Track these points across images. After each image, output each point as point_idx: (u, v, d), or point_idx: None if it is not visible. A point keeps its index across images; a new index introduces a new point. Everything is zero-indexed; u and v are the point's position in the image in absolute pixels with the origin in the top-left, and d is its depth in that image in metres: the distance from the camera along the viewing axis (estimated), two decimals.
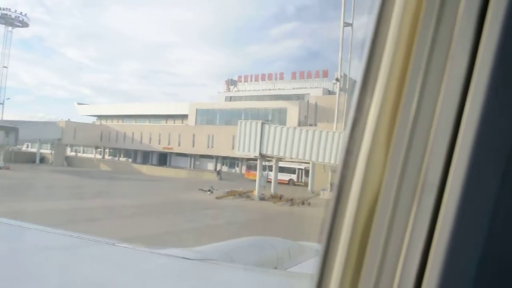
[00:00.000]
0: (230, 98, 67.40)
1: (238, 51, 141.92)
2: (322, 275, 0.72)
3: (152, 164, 67.19)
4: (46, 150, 70.31)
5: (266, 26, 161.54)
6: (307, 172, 45.48)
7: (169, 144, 64.47)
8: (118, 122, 76.78)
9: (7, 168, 50.11)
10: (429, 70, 0.63)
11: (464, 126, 0.59)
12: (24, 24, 73.96)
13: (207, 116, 64.27)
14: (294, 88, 63.52)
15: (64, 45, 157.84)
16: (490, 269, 0.59)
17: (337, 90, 40.40)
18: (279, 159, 37.08)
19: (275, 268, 4.05)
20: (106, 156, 75.26)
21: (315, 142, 31.52)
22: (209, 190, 36.13)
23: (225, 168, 61.92)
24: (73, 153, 76.35)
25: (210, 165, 62.46)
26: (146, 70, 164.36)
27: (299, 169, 49.25)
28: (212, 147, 59.11)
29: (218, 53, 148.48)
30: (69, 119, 69.69)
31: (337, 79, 39.62)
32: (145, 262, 3.34)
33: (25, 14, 73.21)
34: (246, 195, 35.03)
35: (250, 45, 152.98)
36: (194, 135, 61.40)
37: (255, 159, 39.68)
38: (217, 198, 32.88)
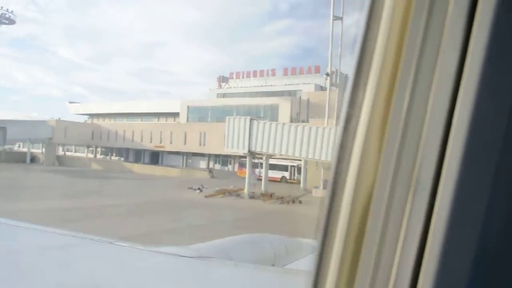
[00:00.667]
0: (224, 95, 66.64)
1: (232, 48, 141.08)
2: (318, 272, 0.72)
3: (144, 163, 66.37)
4: (38, 150, 69.39)
5: (260, 24, 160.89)
6: (300, 169, 44.92)
7: (160, 142, 63.66)
8: (110, 120, 75.86)
9: None
10: (421, 66, 0.64)
11: (456, 122, 0.60)
12: (11, 22, 72.89)
13: (198, 114, 63.49)
14: (286, 85, 62.89)
15: (57, 44, 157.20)
16: (483, 267, 0.59)
17: (327, 85, 39.69)
18: (270, 156, 36.35)
19: (273, 265, 4.06)
20: (98, 155, 74.35)
21: (306, 138, 30.77)
22: (198, 189, 35.43)
23: (218, 166, 61.27)
24: (65, 153, 75.44)
25: (203, 163, 61.74)
26: (140, 68, 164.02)
27: (291, 166, 48.60)
28: (204, 144, 58.34)
29: (211, 51, 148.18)
30: (59, 118, 68.61)
31: (327, 74, 38.97)
32: (142, 260, 3.34)
33: (12, 11, 72.15)
34: (236, 193, 34.29)
35: (244, 43, 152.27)
36: (185, 133, 60.60)
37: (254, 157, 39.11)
38: (206, 196, 32.14)
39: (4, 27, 72.66)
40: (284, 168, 49.45)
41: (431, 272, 0.60)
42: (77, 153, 76.07)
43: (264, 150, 33.10)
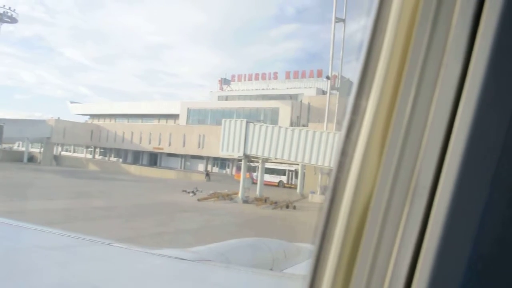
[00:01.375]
0: (226, 98, 65.88)
1: (237, 52, 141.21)
2: (314, 276, 0.73)
3: (142, 165, 65.80)
4: (37, 149, 68.90)
5: (266, 27, 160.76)
6: (298, 174, 43.93)
7: (159, 144, 63.02)
8: (110, 121, 75.35)
9: None
10: (423, 76, 0.65)
11: (456, 131, 0.61)
12: (13, 20, 72.34)
13: (198, 116, 62.79)
14: (288, 88, 62.03)
15: (63, 44, 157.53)
16: (479, 272, 0.60)
17: (328, 88, 38.82)
18: (266, 160, 35.42)
19: (271, 269, 4.06)
20: (97, 156, 73.80)
21: (303, 143, 29.82)
22: (192, 192, 34.61)
23: (215, 169, 60.55)
24: (64, 153, 74.97)
25: (201, 166, 60.98)
26: (145, 70, 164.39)
27: (289, 170, 47.70)
28: (203, 147, 57.58)
29: (217, 54, 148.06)
30: (58, 118, 68.09)
31: (327, 77, 38.10)
32: (141, 263, 3.35)
33: (14, 10, 71.68)
34: (230, 197, 33.36)
35: (250, 46, 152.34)
36: (184, 135, 59.94)
37: (249, 161, 38.24)
38: (198, 200, 31.25)
39: (8, 26, 72.41)
40: (282, 172, 48.57)
41: (425, 278, 0.61)
42: (75, 153, 75.57)
43: (260, 154, 32.12)
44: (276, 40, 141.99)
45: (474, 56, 0.61)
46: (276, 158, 32.49)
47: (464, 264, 0.60)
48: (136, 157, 69.30)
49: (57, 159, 68.27)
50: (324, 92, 53.00)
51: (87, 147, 73.83)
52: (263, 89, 64.88)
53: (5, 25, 71.63)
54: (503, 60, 0.59)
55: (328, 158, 28.93)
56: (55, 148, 72.01)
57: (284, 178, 48.85)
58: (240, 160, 38.77)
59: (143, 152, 67.49)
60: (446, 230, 0.60)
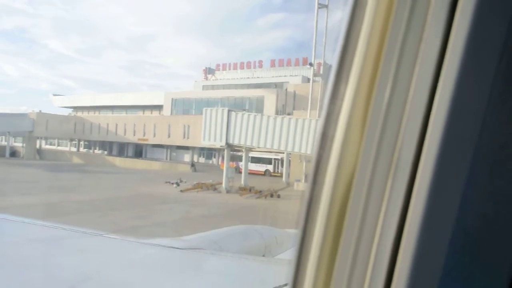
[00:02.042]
0: (210, 87, 65.01)
1: (224, 42, 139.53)
2: (299, 259, 0.74)
3: (127, 156, 64.87)
4: (20, 144, 67.60)
5: (252, 17, 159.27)
6: (284, 162, 43.49)
7: (144, 135, 62.08)
8: (95, 113, 74.11)
9: None
10: (403, 53, 0.66)
11: (437, 106, 0.62)
12: None
13: (183, 106, 61.85)
14: (273, 77, 61.28)
15: (46, 36, 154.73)
16: (462, 245, 0.62)
17: (311, 76, 38.21)
18: (250, 149, 34.85)
19: (263, 255, 4.13)
20: (81, 149, 72.66)
21: (286, 131, 29.22)
22: (175, 183, 34.01)
23: (202, 160, 59.88)
24: (48, 146, 73.75)
25: (187, 157, 60.22)
26: (131, 61, 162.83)
27: (275, 159, 47.26)
28: (188, 137, 56.77)
29: (204, 44, 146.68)
30: (40, 111, 66.72)
31: (310, 64, 37.45)
32: (133, 252, 3.37)
33: None
34: (214, 187, 32.81)
35: (236, 36, 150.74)
36: (169, 125, 59.03)
37: (234, 150, 37.61)
38: (181, 191, 30.66)
39: None
40: (268, 161, 48.15)
41: (410, 251, 0.62)
42: (60, 147, 74.34)
43: (242, 143, 31.41)
44: (263, 30, 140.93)
45: (453, 34, 0.61)
46: (259, 147, 31.90)
47: (447, 237, 0.61)
48: (121, 149, 68.32)
49: (40, 153, 67.16)
50: (309, 80, 52.50)
51: (71, 140, 72.64)
52: (248, 78, 64.06)
53: None
54: (482, 34, 0.59)
55: (310, 145, 28.44)
56: (38, 142, 70.83)
57: (270, 167, 48.43)
58: (230, 150, 38.19)
59: (128, 144, 66.53)
60: (429, 204, 0.61)
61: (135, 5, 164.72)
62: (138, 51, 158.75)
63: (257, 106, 52.79)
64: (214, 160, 58.15)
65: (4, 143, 68.77)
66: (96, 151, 71.33)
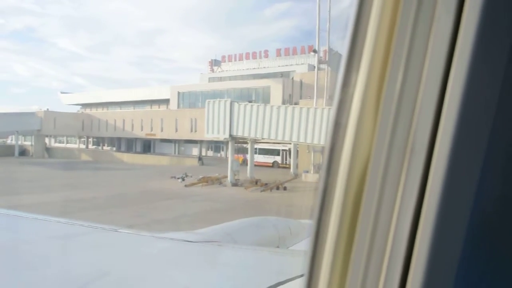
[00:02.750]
0: (219, 79, 64.29)
1: (232, 33, 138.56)
2: (315, 247, 0.73)
3: (136, 152, 64.67)
4: (29, 143, 67.73)
5: (259, 7, 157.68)
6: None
7: (151, 130, 61.67)
8: (103, 109, 73.93)
9: None
10: (415, 37, 0.64)
11: (450, 89, 0.61)
12: None
13: (189, 99, 61.28)
14: (279, 66, 60.35)
15: (55, 35, 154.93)
16: (481, 227, 0.61)
17: (316, 63, 37.19)
18: (255, 141, 34.05)
19: (277, 246, 4.11)
20: (90, 146, 72.59)
21: (291, 121, 28.34)
22: (181, 178, 33.46)
23: (210, 153, 59.35)
24: (57, 144, 73.89)
25: (195, 151, 59.74)
26: (140, 57, 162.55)
27: (283, 150, 46.44)
28: (196, 131, 56.09)
29: (211, 36, 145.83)
30: (47, 109, 66.65)
31: (314, 51, 36.42)
32: (148, 247, 3.37)
33: None
34: (219, 181, 32.18)
35: (244, 27, 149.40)
36: (176, 119, 58.48)
37: (241, 142, 36.94)
38: (186, 186, 30.13)
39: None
40: (276, 152, 47.37)
41: (428, 234, 0.61)
42: (69, 144, 74.41)
43: (246, 135, 30.60)
44: (270, 19, 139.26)
45: (465, 15, 0.60)
46: (263, 138, 31.07)
47: (465, 220, 0.60)
48: (130, 144, 68.10)
49: (49, 151, 67.20)
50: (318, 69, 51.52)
51: (80, 137, 72.57)
52: (254, 68, 63.17)
53: None
54: (494, 16, 0.59)
55: (318, 135, 27.51)
56: (47, 140, 70.94)
57: (278, 158, 47.67)
58: (236, 143, 37.57)
59: (136, 139, 66.25)
60: (447, 187, 0.60)
61: (141, 0, 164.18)
62: (146, 47, 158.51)
63: (264, 97, 52.01)
64: (223, 153, 57.51)
65: (14, 142, 69.08)
66: (105, 147, 71.20)
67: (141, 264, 2.90)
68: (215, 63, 68.22)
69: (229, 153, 49.91)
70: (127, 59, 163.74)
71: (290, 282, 2.41)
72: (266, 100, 48.74)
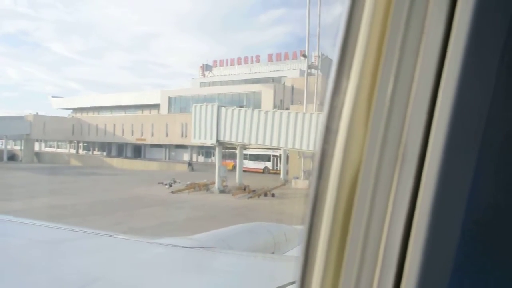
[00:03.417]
0: (210, 84, 63.67)
1: (226, 39, 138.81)
2: (306, 255, 0.73)
3: (126, 157, 63.87)
4: (19, 147, 66.84)
5: (253, 13, 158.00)
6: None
7: (142, 135, 60.95)
8: (94, 114, 73.11)
9: None
10: (405, 45, 0.64)
11: (441, 97, 0.61)
12: None
13: (180, 104, 60.61)
14: (271, 71, 59.88)
15: (49, 39, 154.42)
16: (473, 235, 0.61)
17: (305, 67, 36.68)
18: (243, 147, 33.41)
19: (273, 252, 4.12)
20: (80, 151, 71.75)
21: (279, 126, 27.72)
22: (168, 184, 32.76)
23: (201, 158, 58.63)
24: (47, 149, 73.02)
25: (186, 156, 58.98)
26: (134, 61, 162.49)
27: (274, 156, 45.88)
28: (186, 136, 55.21)
29: (205, 42, 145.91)
30: (37, 113, 65.85)
31: (304, 55, 35.93)
32: (142, 252, 3.37)
33: None
34: (207, 187, 31.49)
35: (238, 33, 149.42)
36: (167, 124, 57.80)
37: (230, 148, 36.30)
38: (172, 192, 29.43)
39: None
40: (266, 158, 46.83)
41: (420, 242, 0.61)
42: (59, 149, 73.53)
43: (234, 140, 29.96)
44: (264, 26, 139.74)
45: (455, 25, 0.60)
46: (250, 144, 30.44)
47: (457, 229, 0.60)
48: (120, 149, 67.32)
49: (38, 156, 66.44)
50: (309, 74, 51.02)
51: (70, 142, 71.77)
52: (245, 73, 62.65)
53: None
54: (484, 27, 0.59)
55: (306, 141, 26.90)
56: (38, 145, 70.13)
57: (269, 164, 47.12)
58: (225, 148, 36.94)
59: (126, 144, 65.48)
60: (438, 196, 0.60)
61: (135, 4, 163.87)
62: (141, 51, 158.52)
63: (255, 102, 51.45)
64: (213, 158, 56.63)
65: (3, 147, 68.15)
66: (95, 152, 70.42)
67: (135, 269, 2.89)
68: (206, 68, 67.67)
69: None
70: (121, 63, 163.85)
71: None
72: (257, 105, 48.15)
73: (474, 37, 0.59)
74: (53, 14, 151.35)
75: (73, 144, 72.39)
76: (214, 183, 31.59)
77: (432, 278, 0.61)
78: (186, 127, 54.71)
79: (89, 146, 71.10)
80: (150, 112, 65.53)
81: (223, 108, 30.37)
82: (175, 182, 33.83)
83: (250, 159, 47.28)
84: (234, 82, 59.75)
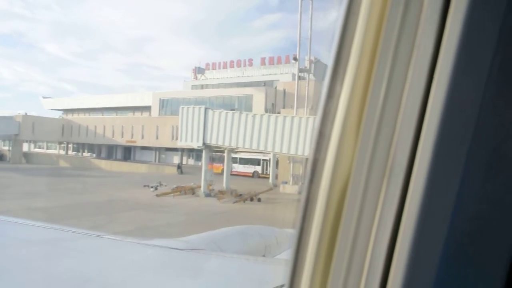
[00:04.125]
0: (202, 86, 63.10)
1: (221, 43, 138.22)
2: (296, 258, 0.74)
3: (116, 159, 63.09)
4: (7, 147, 65.85)
5: (249, 18, 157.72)
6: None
7: (132, 137, 60.18)
8: (85, 115, 72.25)
9: None
10: (396, 59, 0.66)
11: (430, 111, 0.62)
12: None
13: (171, 106, 59.92)
14: (263, 75, 59.40)
15: (44, 40, 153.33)
16: (457, 248, 0.62)
17: (296, 70, 36.18)
18: (232, 150, 32.76)
19: (263, 255, 4.13)
20: (70, 152, 70.82)
21: (266, 129, 27.09)
22: (153, 187, 32.04)
23: (191, 161, 57.97)
24: (37, 150, 72.10)
25: (176, 159, 58.32)
26: (128, 64, 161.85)
27: (264, 160, 45.24)
28: (177, 139, 54.62)
29: (200, 46, 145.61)
30: (26, 113, 64.85)
31: (295, 58, 35.46)
32: (133, 253, 3.36)
33: None
34: (193, 191, 30.80)
35: (234, 38, 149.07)
36: (157, 126, 57.13)
37: (219, 151, 35.66)
38: (157, 195, 28.71)
39: None
40: (256, 162, 46.22)
41: (405, 253, 0.62)
42: (49, 150, 72.57)
43: (220, 143, 29.28)
44: (260, 31, 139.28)
45: (446, 37, 0.61)
46: (238, 147, 29.80)
47: (441, 241, 0.61)
48: (110, 151, 66.48)
49: (27, 156, 65.47)
50: (301, 78, 50.58)
51: (60, 143, 70.81)
52: (238, 76, 62.11)
53: None
54: (474, 39, 0.60)
55: (295, 145, 26.30)
56: (27, 145, 69.18)
57: (258, 168, 46.51)
58: (215, 151, 36.34)
59: (116, 146, 64.69)
60: (424, 208, 0.61)
61: (131, 8, 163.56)
62: (135, 54, 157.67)
63: (246, 105, 50.95)
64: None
65: None
66: (85, 154, 69.48)
67: (126, 271, 2.89)
68: (198, 70, 67.02)
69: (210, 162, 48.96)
70: (116, 66, 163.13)
71: None
72: (248, 108, 47.66)
73: (463, 53, 0.60)
74: (49, 15, 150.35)
75: (63, 145, 71.43)
76: (199, 186, 30.89)
77: (415, 285, 0.62)
78: (177, 129, 53.67)
79: (78, 147, 70.15)
80: (141, 114, 64.85)
81: (210, 110, 29.69)
82: (161, 185, 33.10)
83: (240, 163, 46.72)
84: (226, 85, 59.21)
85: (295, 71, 52.86)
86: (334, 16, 0.70)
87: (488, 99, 0.60)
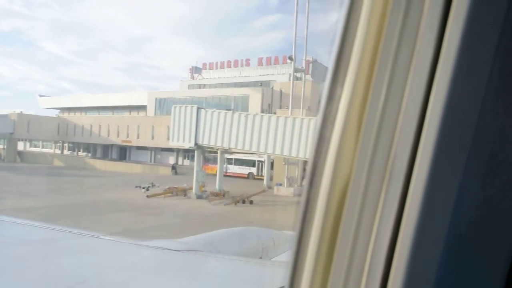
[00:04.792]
0: (199, 86, 62.61)
1: (221, 44, 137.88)
2: (296, 262, 0.74)
3: (111, 159, 62.56)
4: (2, 146, 65.29)
5: (249, 19, 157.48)
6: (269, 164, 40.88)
7: (127, 137, 59.66)
8: (81, 114, 71.72)
9: None
10: (397, 62, 0.66)
11: (430, 115, 0.63)
12: None
13: (167, 106, 59.37)
14: (260, 75, 58.90)
15: (43, 38, 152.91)
16: (456, 253, 0.63)
17: (292, 70, 35.70)
18: (225, 151, 32.18)
19: (260, 257, 4.15)
20: (66, 151, 70.28)
21: (259, 130, 26.55)
22: (144, 187, 31.48)
23: (186, 162, 57.42)
24: (32, 148, 71.56)
25: (172, 159, 57.78)
26: (127, 63, 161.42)
27: (259, 161, 44.72)
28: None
29: (200, 46, 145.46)
30: (21, 112, 64.33)
31: (290, 58, 34.98)
32: (130, 254, 3.38)
33: None
34: (185, 192, 30.25)
35: (233, 38, 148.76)
36: (153, 126, 56.59)
37: (214, 152, 35.12)
38: (147, 197, 28.17)
39: None
40: (251, 163, 45.69)
41: (404, 258, 0.63)
42: (44, 149, 72.02)
43: (213, 144, 28.69)
44: (259, 31, 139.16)
45: (446, 41, 0.62)
46: (230, 148, 29.22)
47: (441, 245, 0.61)
48: (105, 151, 65.95)
49: (22, 155, 64.95)
50: (298, 78, 50.17)
51: (55, 142, 70.28)
52: (235, 76, 61.62)
53: None
54: (474, 43, 0.60)
55: (289, 146, 25.75)
56: (23, 144, 68.63)
57: (254, 170, 45.98)
58: (210, 152, 35.76)
59: (112, 145, 64.15)
60: (423, 212, 0.62)
61: (131, 7, 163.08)
62: (135, 54, 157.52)
63: (243, 105, 50.53)
64: None
65: None
66: (80, 153, 68.97)
67: (123, 271, 2.87)
68: (195, 70, 66.53)
69: (204, 163, 48.45)
70: (115, 65, 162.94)
71: None
72: (245, 109, 47.21)
73: (463, 57, 0.60)
74: (48, 13, 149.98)
75: (58, 144, 70.91)
76: (191, 188, 30.35)
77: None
78: None
79: (74, 146, 69.66)
80: (138, 114, 64.34)
81: (202, 110, 29.12)
82: (153, 186, 32.50)
83: (235, 164, 46.24)
84: (223, 85, 58.75)
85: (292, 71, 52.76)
86: (335, 18, 0.70)
87: (488, 104, 0.60)
